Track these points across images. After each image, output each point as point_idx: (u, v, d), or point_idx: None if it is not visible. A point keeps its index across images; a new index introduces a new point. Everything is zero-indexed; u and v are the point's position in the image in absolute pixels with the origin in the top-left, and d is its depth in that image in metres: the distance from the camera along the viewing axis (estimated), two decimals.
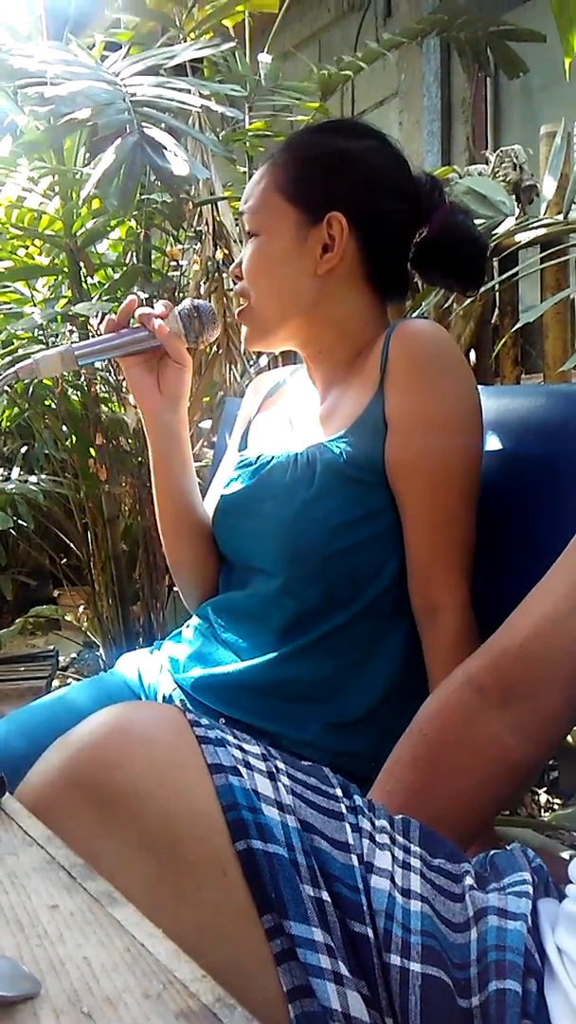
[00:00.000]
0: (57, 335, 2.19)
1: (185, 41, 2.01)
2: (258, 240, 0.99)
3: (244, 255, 1.01)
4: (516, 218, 1.72)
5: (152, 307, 1.02)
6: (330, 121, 1.16)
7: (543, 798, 1.70)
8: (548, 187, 1.71)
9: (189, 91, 1.68)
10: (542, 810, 1.67)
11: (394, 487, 0.92)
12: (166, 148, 1.52)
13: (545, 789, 1.70)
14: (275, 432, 1.07)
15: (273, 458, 0.99)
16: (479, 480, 0.93)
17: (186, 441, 1.06)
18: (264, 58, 2.31)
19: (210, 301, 2.02)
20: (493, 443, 1.00)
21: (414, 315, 1.84)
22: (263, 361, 1.91)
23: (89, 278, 2.18)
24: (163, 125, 1.56)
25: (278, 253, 0.98)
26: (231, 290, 1.90)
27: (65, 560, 2.65)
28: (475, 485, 0.93)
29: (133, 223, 2.16)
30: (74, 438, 2.32)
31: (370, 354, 0.96)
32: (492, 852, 0.63)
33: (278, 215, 0.98)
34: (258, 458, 1.02)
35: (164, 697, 1.00)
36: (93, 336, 1.00)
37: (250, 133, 2.12)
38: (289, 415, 1.07)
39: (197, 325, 1.02)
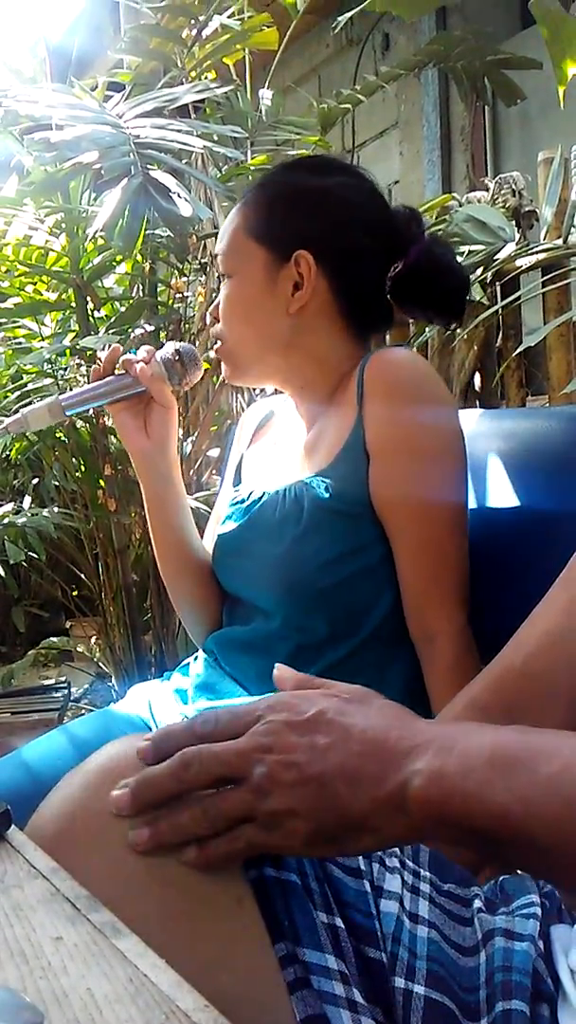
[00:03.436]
0: (66, 368, 2.21)
1: (187, 79, 2.05)
2: (231, 282, 1.00)
3: (220, 297, 1.01)
4: (516, 243, 1.74)
5: (137, 352, 1.03)
6: (302, 159, 1.17)
7: None
8: (547, 212, 1.73)
9: (191, 132, 1.71)
10: None
11: (381, 517, 0.91)
12: (170, 190, 1.54)
13: None
14: (266, 466, 1.07)
15: (264, 495, 0.99)
16: (466, 504, 0.93)
17: (178, 481, 1.06)
18: (265, 94, 2.35)
19: None
20: (496, 465, 1.01)
21: (416, 341, 1.86)
22: (269, 389, 1.93)
23: (96, 312, 2.20)
24: (165, 166, 1.59)
25: (250, 294, 0.98)
26: None
27: (77, 591, 2.66)
28: (462, 510, 0.92)
29: (139, 258, 2.19)
30: (83, 469, 2.34)
31: (348, 385, 0.96)
32: (502, 877, 0.63)
33: (248, 257, 0.98)
34: (249, 495, 1.02)
35: None
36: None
37: (252, 168, 2.16)
38: (279, 447, 1.07)
39: (180, 368, 1.03)
